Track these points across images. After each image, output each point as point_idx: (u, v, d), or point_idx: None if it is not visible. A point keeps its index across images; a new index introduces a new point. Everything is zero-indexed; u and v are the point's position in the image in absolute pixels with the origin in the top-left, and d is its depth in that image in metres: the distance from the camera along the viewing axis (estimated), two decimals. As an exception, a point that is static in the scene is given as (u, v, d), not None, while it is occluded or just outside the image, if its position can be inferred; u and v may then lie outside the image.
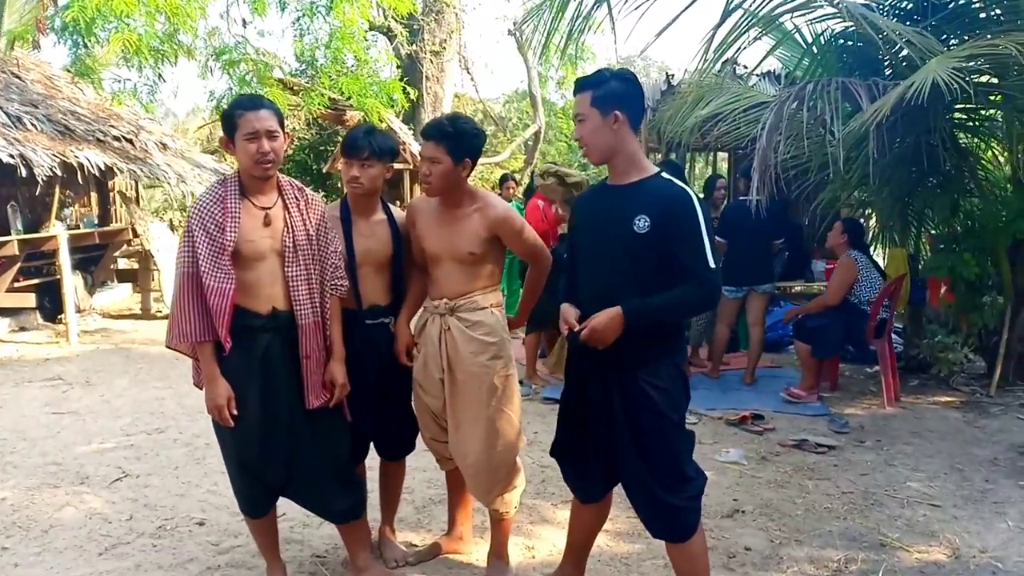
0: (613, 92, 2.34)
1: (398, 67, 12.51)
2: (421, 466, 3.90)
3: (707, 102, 6.09)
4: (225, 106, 2.65)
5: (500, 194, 7.79)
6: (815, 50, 6.11)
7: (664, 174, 2.40)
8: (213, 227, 2.51)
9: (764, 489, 3.90)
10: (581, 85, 2.39)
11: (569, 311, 2.46)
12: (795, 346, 5.55)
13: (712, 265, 2.29)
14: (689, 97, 6.21)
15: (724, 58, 5.59)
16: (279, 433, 2.65)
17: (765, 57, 5.95)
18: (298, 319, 2.62)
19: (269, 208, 2.61)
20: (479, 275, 2.83)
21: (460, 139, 2.71)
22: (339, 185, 12.79)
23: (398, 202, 12.14)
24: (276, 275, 2.61)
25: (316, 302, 2.67)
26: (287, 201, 2.66)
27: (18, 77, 9.07)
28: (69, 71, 8.88)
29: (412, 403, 3.04)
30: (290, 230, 2.62)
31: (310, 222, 2.67)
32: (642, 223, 2.30)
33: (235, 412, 2.56)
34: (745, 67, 7.53)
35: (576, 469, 2.64)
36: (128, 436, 4.88)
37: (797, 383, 5.54)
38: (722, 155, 11.09)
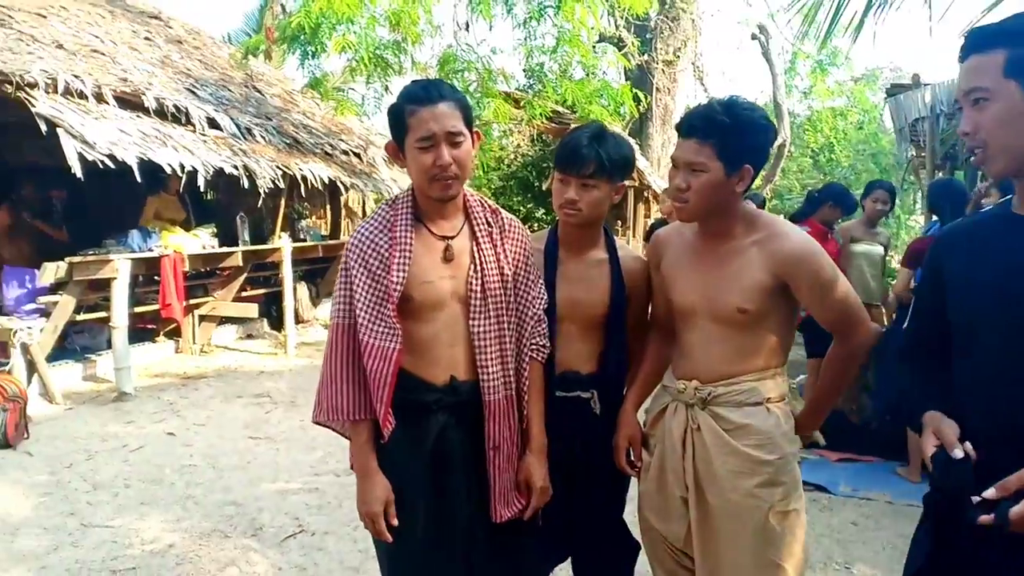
0: None
1: (627, 78, 11.72)
2: (640, 572, 2.96)
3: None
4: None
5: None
6: None
7: None
8: (377, 264, 1.77)
9: None
10: (982, 42, 1.33)
11: (947, 430, 1.39)
12: None
13: None
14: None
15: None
16: (453, 555, 1.87)
17: None
18: (484, 393, 1.82)
19: (452, 237, 1.83)
20: (754, 348, 1.85)
21: (738, 135, 1.75)
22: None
23: (619, 223, 11.23)
24: (458, 331, 1.83)
25: (509, 369, 1.86)
26: (476, 228, 1.86)
27: (258, 91, 9.40)
28: (312, 88, 9.06)
29: (637, 520, 2.13)
30: (478, 268, 1.82)
31: (506, 257, 1.86)
32: None
33: (395, 522, 1.81)
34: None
35: None
36: (316, 476, 4.43)
37: None
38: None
